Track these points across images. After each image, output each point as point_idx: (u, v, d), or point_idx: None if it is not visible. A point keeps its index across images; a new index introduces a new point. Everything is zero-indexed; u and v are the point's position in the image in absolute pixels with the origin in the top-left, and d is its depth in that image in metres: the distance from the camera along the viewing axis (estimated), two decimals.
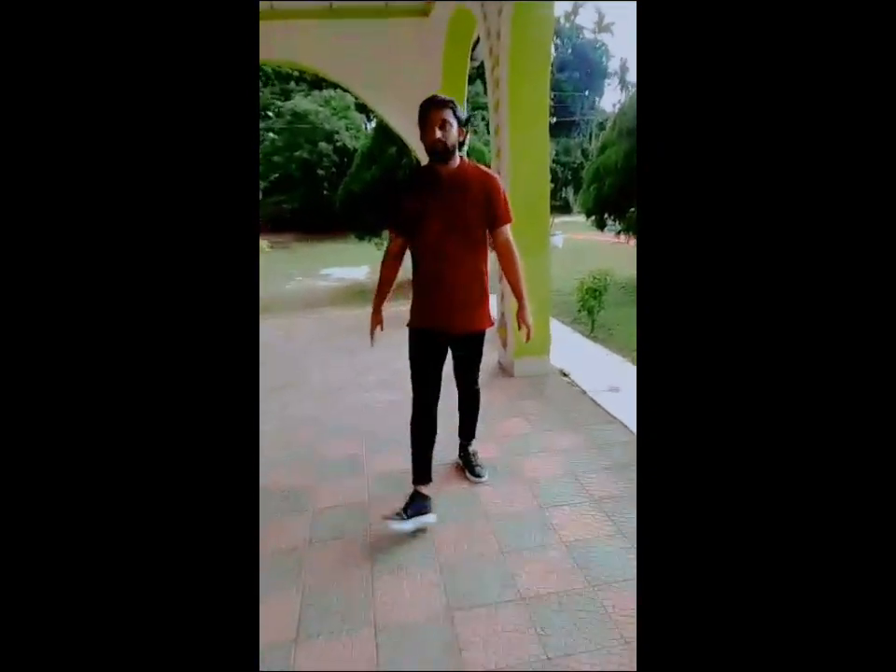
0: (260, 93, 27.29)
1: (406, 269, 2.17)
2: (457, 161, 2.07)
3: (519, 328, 2.22)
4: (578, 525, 2.14)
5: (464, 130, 2.07)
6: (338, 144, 24.23)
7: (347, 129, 24.78)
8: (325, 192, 22.68)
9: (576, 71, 34.43)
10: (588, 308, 5.87)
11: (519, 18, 3.44)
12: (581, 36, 35.83)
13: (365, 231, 11.11)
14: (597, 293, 5.81)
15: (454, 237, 2.07)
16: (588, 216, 10.84)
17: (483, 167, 2.16)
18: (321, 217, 22.02)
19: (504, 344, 4.07)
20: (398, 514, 2.09)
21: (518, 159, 3.70)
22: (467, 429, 2.57)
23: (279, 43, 5.93)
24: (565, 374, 3.82)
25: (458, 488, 2.46)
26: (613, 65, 37.00)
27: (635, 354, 2.95)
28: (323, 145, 24.25)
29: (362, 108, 22.83)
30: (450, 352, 2.26)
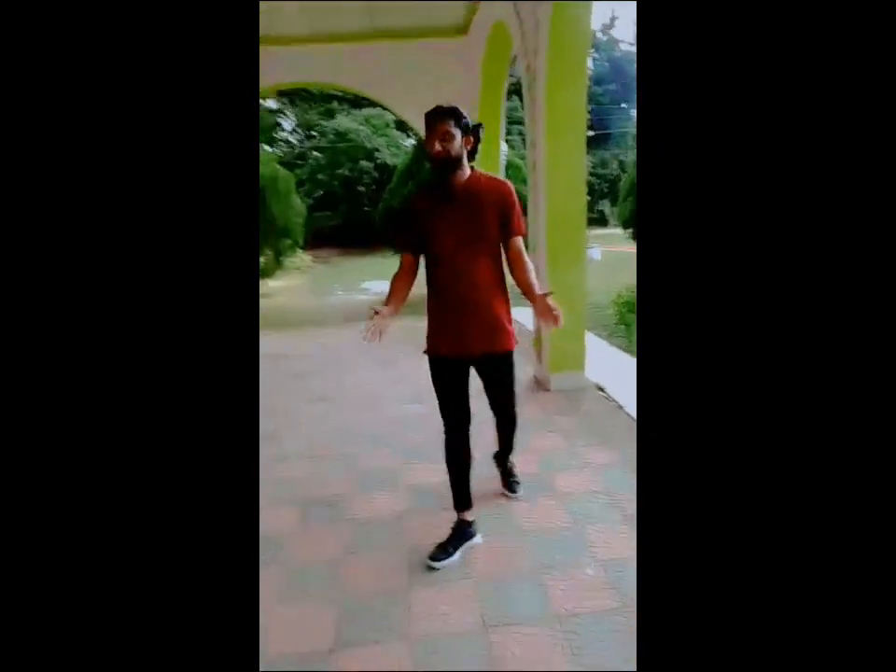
0: (307, 114, 28.15)
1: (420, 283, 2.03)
2: (467, 171, 1.96)
3: (544, 320, 1.85)
4: (613, 542, 2.11)
5: (471, 138, 1.93)
6: (378, 161, 24.71)
7: (388, 146, 25.26)
8: (366, 208, 23.13)
9: (613, 83, 34.18)
10: (625, 322, 5.79)
11: (556, 30, 3.47)
12: (618, 49, 35.58)
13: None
14: (634, 307, 5.74)
15: (468, 251, 1.94)
16: (625, 228, 10.73)
17: (495, 176, 2.05)
18: (362, 233, 22.46)
19: (539, 359, 4.05)
20: (442, 550, 2.06)
21: (554, 171, 3.72)
22: (503, 445, 2.54)
23: (322, 65, 6.14)
24: (601, 389, 3.78)
25: (493, 503, 2.46)
26: None
27: None
28: (364, 162, 24.76)
29: (401, 126, 23.23)
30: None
